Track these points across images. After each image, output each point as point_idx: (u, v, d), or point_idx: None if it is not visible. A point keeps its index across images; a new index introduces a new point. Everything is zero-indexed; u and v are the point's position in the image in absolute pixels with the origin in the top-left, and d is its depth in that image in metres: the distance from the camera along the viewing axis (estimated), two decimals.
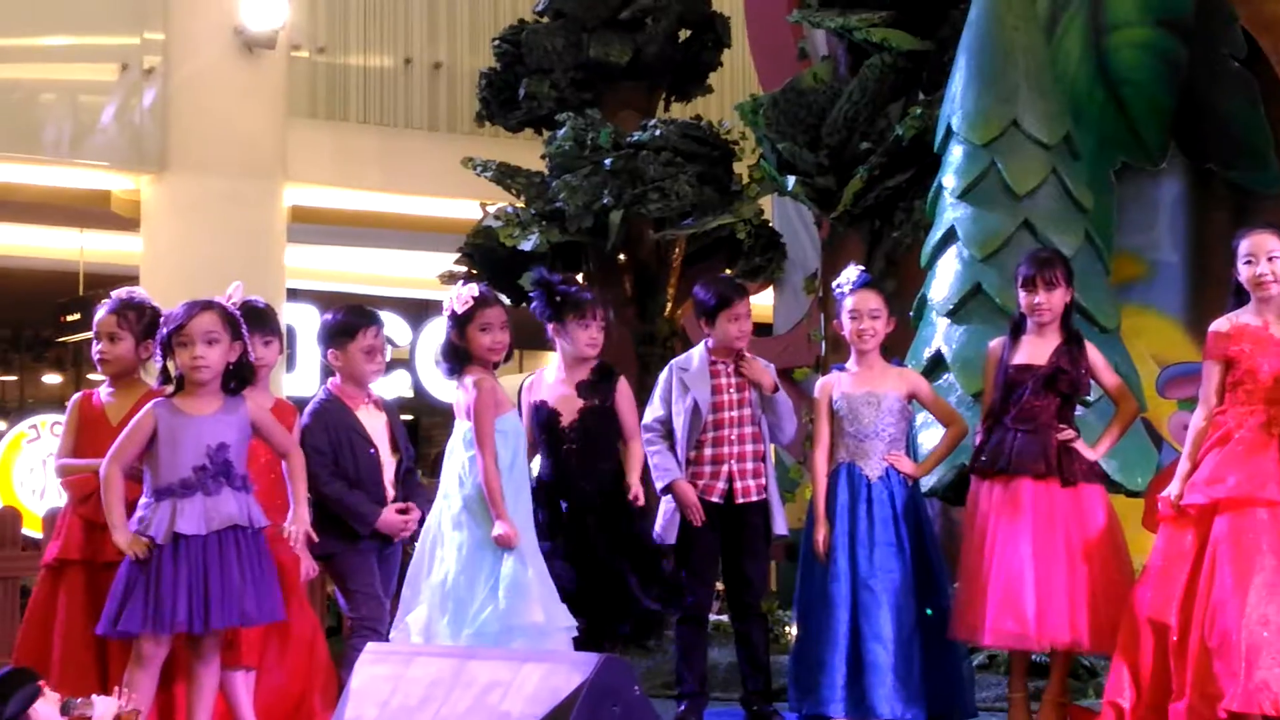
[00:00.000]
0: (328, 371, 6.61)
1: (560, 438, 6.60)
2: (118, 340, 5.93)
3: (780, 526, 6.95)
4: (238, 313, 5.69)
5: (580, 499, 6.58)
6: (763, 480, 6.90)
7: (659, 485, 6.89)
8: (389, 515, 6.19)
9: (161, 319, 5.72)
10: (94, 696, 4.43)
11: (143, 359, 5.98)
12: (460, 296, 6.25)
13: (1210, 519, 5.87)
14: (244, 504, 5.58)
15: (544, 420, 6.62)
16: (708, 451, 6.86)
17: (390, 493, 6.30)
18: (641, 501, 6.60)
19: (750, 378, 6.88)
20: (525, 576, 6.00)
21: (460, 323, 6.22)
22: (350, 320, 6.32)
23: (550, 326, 6.69)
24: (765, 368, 6.95)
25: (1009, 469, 6.41)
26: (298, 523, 5.68)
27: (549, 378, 6.72)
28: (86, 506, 5.79)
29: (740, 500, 6.84)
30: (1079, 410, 6.74)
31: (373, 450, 6.29)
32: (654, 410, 6.96)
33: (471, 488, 6.10)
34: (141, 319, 5.94)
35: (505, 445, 6.15)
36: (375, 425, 6.36)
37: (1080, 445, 6.44)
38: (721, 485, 6.84)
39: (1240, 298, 6.04)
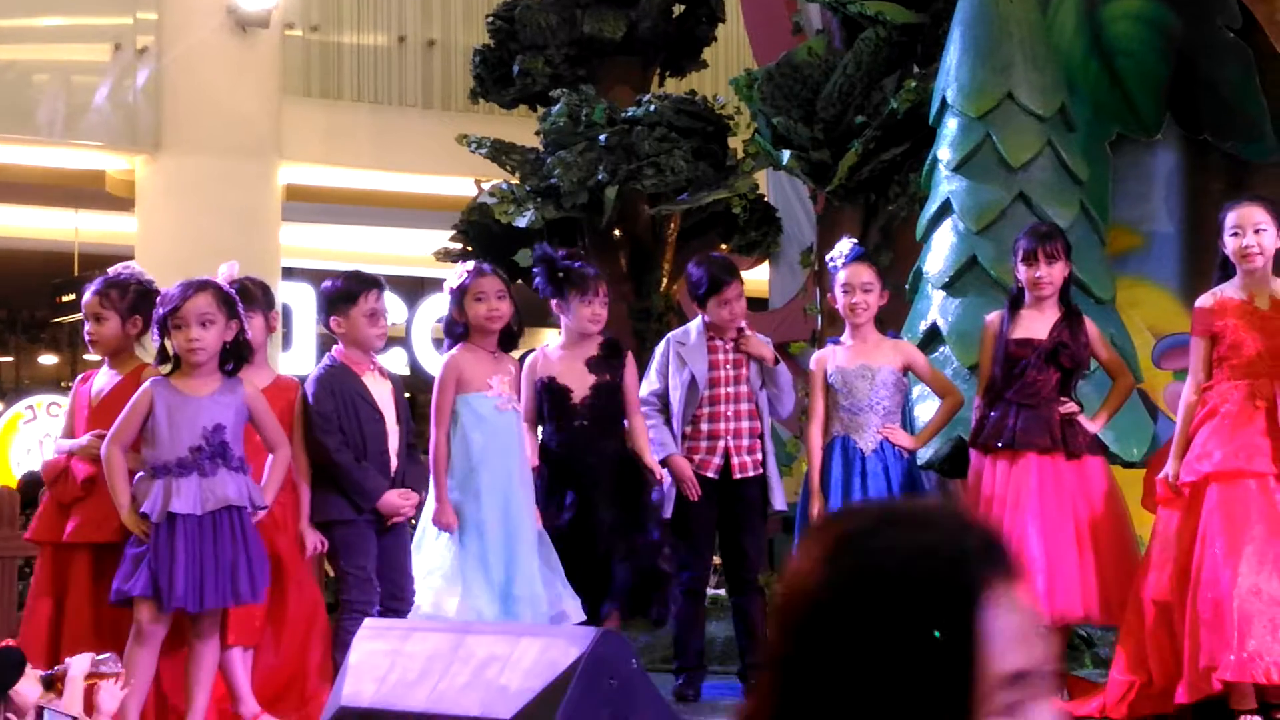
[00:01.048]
0: (324, 348, 6.59)
1: (571, 413, 6.60)
2: (103, 320, 5.94)
3: (779, 502, 6.95)
4: (234, 292, 5.69)
5: (588, 474, 6.59)
6: (759, 456, 6.89)
7: (656, 459, 6.89)
8: (390, 497, 6.16)
9: (158, 298, 5.72)
10: (68, 659, 4.44)
11: (132, 335, 5.97)
12: (458, 272, 6.35)
13: (1202, 494, 5.88)
14: (241, 485, 5.58)
15: (554, 396, 6.60)
16: (704, 426, 6.86)
17: (394, 463, 6.25)
18: (663, 479, 6.60)
19: (751, 352, 6.88)
20: (449, 562, 6.11)
21: (458, 295, 6.32)
22: (351, 286, 6.29)
23: (553, 303, 6.69)
24: (764, 341, 6.95)
25: (1014, 444, 6.40)
26: (257, 516, 5.68)
27: (554, 354, 6.72)
28: (55, 488, 5.81)
29: (737, 475, 6.83)
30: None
31: (379, 417, 6.23)
32: (650, 384, 6.95)
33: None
34: (125, 296, 5.94)
35: (473, 425, 6.18)
36: (381, 392, 6.28)
37: (1081, 418, 6.45)
38: (718, 460, 6.84)
39: (1226, 271, 6.04)
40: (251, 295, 6.10)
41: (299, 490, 6.07)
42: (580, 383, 6.61)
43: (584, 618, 6.23)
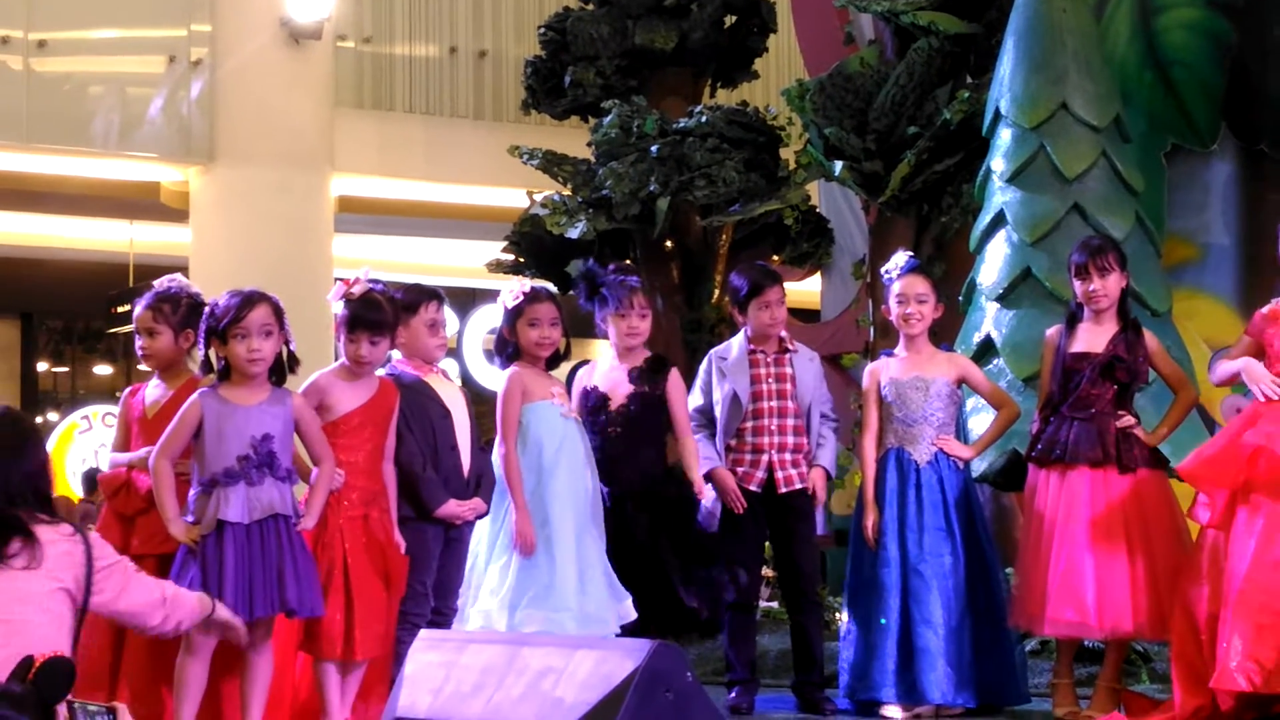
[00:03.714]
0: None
1: (606, 421, 6.63)
2: (156, 335, 5.95)
3: (819, 526, 6.93)
4: (281, 304, 5.70)
5: (621, 484, 6.60)
6: (804, 469, 6.85)
7: (700, 473, 6.88)
8: (449, 506, 6.14)
9: (207, 308, 5.73)
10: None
11: (184, 349, 5.99)
12: (512, 291, 6.36)
13: (1231, 510, 5.88)
14: (287, 494, 5.59)
15: (592, 404, 6.66)
16: (748, 440, 6.83)
17: (466, 461, 6.19)
18: (705, 496, 6.59)
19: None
20: (507, 587, 6.18)
21: (511, 317, 6.35)
22: (412, 296, 6.29)
23: (597, 317, 6.73)
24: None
25: (1065, 458, 6.38)
26: (302, 526, 5.65)
27: (602, 365, 6.78)
28: (116, 500, 5.84)
29: (783, 489, 6.80)
30: None
31: (445, 413, 6.17)
32: (694, 399, 6.94)
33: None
34: (177, 310, 5.95)
35: (543, 433, 6.21)
36: (448, 391, 6.25)
37: (1139, 431, 6.41)
38: (761, 474, 6.80)
39: None
40: (382, 310, 5.98)
41: (388, 491, 5.98)
42: (618, 391, 6.65)
43: (636, 615, 6.28)
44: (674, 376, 6.71)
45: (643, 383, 6.65)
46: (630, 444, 6.62)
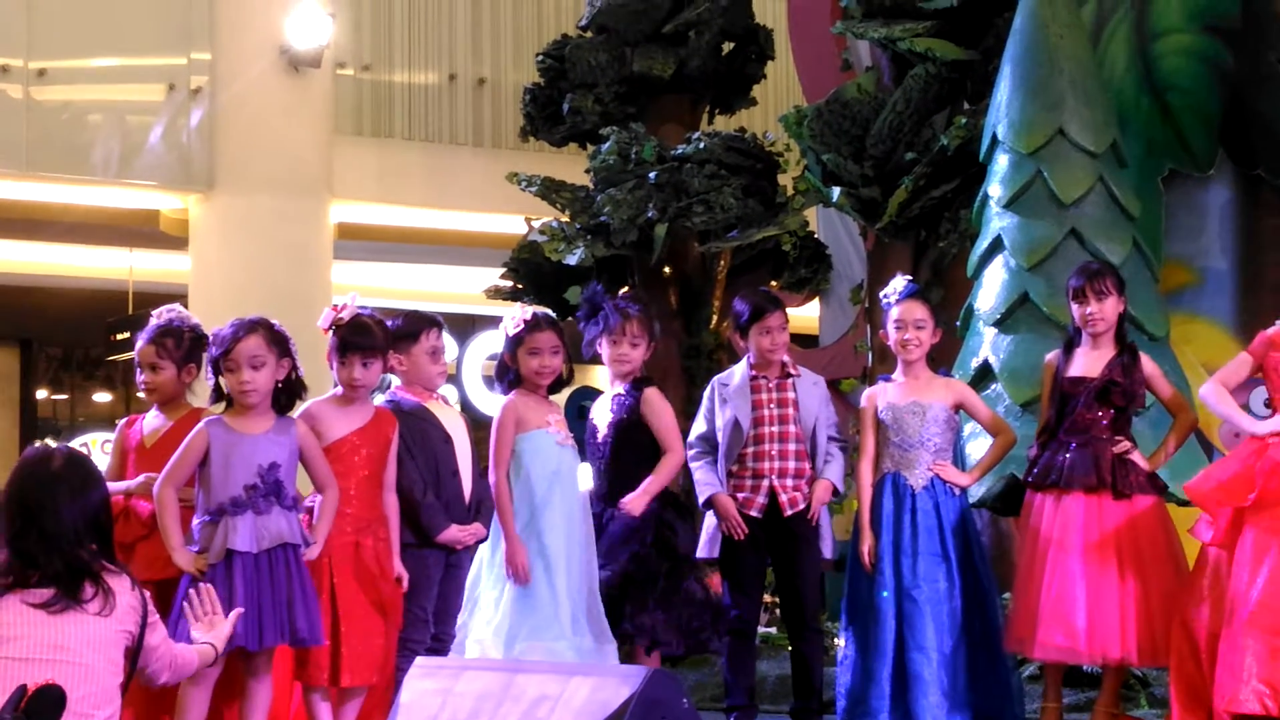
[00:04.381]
0: (382, 387, 6.57)
1: (595, 451, 6.69)
2: (159, 370, 5.96)
3: (828, 551, 6.90)
4: (284, 331, 5.70)
5: (607, 515, 6.63)
6: (807, 492, 6.84)
7: (700, 499, 6.89)
8: (451, 532, 6.15)
9: (210, 338, 5.74)
10: None
11: (186, 383, 6.00)
12: (514, 318, 6.37)
13: (1236, 528, 5.88)
14: (294, 523, 5.60)
15: (589, 435, 6.72)
16: (749, 465, 6.83)
17: (468, 486, 6.21)
18: (633, 510, 6.51)
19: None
20: (503, 616, 6.17)
21: (512, 344, 6.37)
22: (412, 324, 6.31)
23: (596, 339, 6.74)
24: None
25: (1061, 483, 6.38)
26: (307, 556, 5.65)
27: (604, 395, 6.80)
28: (115, 528, 5.81)
29: (788, 512, 6.79)
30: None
31: (446, 437, 6.19)
32: (698, 427, 6.95)
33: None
34: (181, 345, 5.95)
35: (536, 463, 6.21)
36: (448, 417, 6.27)
37: (1136, 456, 6.41)
38: (762, 500, 6.80)
39: None
40: (372, 333, 5.99)
41: (389, 520, 5.97)
42: (604, 422, 6.69)
43: (618, 661, 6.26)
44: (648, 395, 6.65)
45: (620, 410, 6.66)
46: (615, 474, 6.63)
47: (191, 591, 4.86)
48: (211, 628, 4.69)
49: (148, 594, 4.34)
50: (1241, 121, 9.25)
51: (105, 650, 4.15)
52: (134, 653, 4.25)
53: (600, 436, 6.68)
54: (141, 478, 5.83)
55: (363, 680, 5.79)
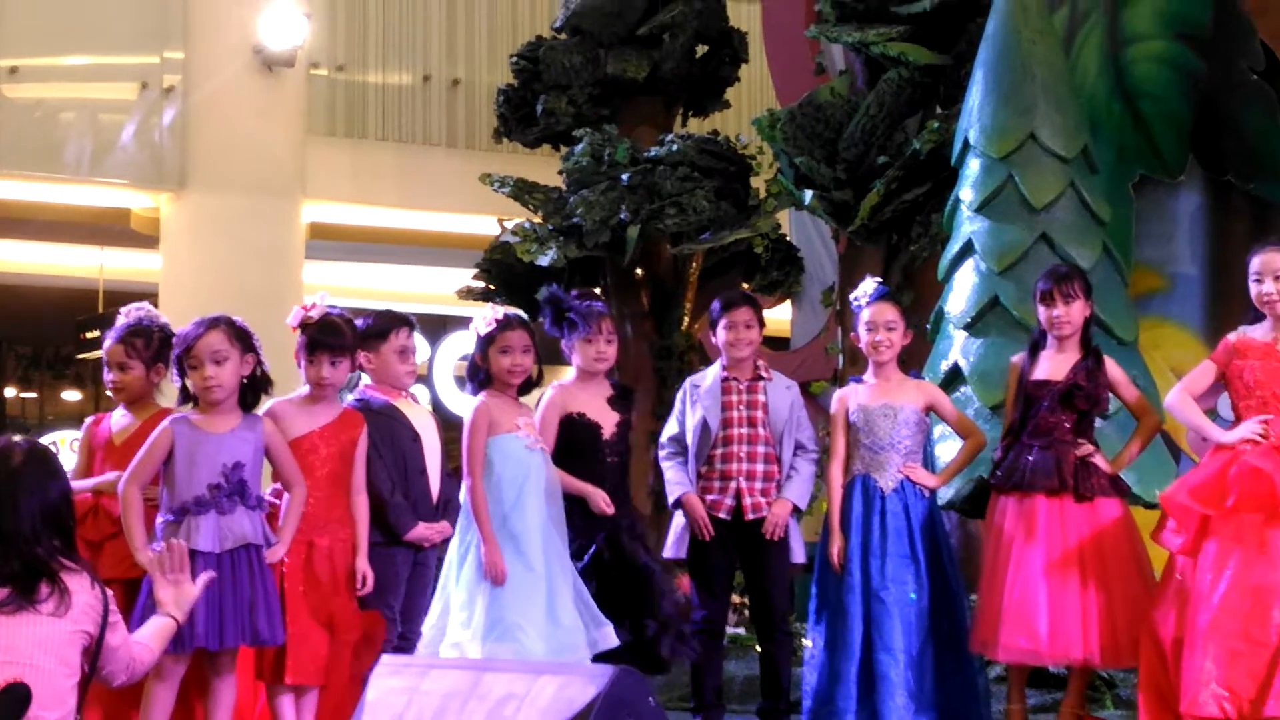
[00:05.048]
0: (350, 386, 6.56)
1: (602, 449, 6.61)
2: (128, 369, 5.94)
3: (798, 555, 6.91)
4: (247, 327, 5.68)
5: (626, 511, 6.64)
6: (773, 498, 6.84)
7: (670, 499, 6.89)
8: (418, 530, 6.16)
9: (175, 338, 5.72)
10: None
11: (155, 383, 5.97)
12: (485, 318, 6.35)
13: (1210, 529, 5.91)
14: (257, 523, 5.58)
15: (586, 432, 6.61)
16: (717, 467, 6.83)
17: (435, 485, 6.22)
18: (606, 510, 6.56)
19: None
20: (476, 616, 6.11)
21: (483, 344, 6.35)
22: (382, 323, 6.30)
23: (563, 342, 6.72)
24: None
25: (1023, 485, 6.40)
26: (271, 556, 5.64)
27: (577, 391, 6.70)
28: (84, 527, 5.79)
29: (750, 516, 6.80)
30: (1098, 423, 6.72)
31: (414, 435, 6.19)
32: (670, 428, 6.96)
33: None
34: (150, 345, 5.93)
35: (506, 468, 6.20)
36: (417, 416, 6.28)
37: (1099, 459, 6.43)
38: (729, 501, 6.80)
39: (1258, 313, 6.06)
40: (341, 333, 5.98)
41: (356, 522, 5.93)
42: (608, 420, 6.64)
43: (618, 642, 6.22)
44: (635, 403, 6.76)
45: (623, 410, 6.69)
46: (622, 471, 6.65)
47: (161, 545, 4.79)
48: (177, 587, 4.57)
49: (110, 593, 4.26)
50: (1212, 128, 9.29)
51: (57, 651, 4.07)
52: (94, 652, 4.18)
53: (607, 435, 6.61)
54: (110, 475, 5.81)
55: (305, 679, 5.74)
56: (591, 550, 6.49)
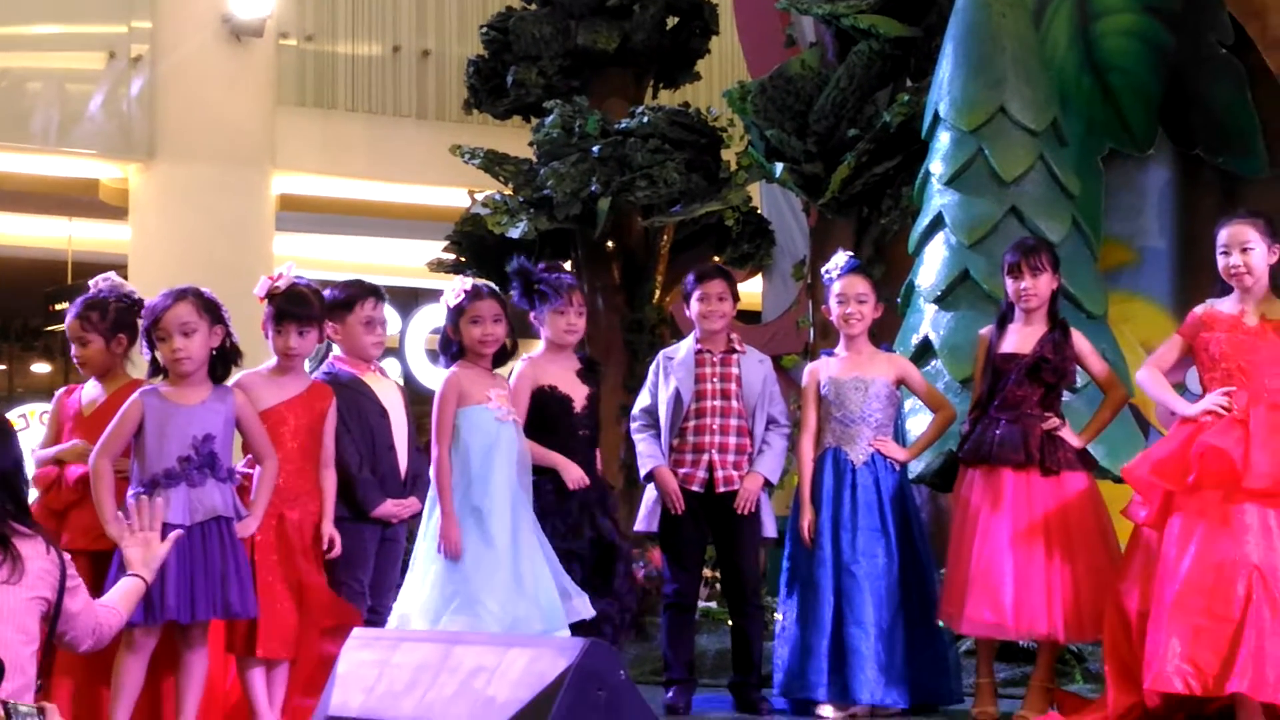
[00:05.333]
0: (318, 358, 6.55)
1: (575, 423, 6.59)
2: (87, 343, 5.92)
3: (768, 529, 6.92)
4: (215, 298, 5.66)
5: (599, 484, 6.65)
6: (745, 470, 6.84)
7: (642, 472, 6.90)
8: (386, 506, 6.15)
9: (143, 310, 5.70)
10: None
11: (118, 354, 5.94)
12: (454, 289, 6.33)
13: (1174, 504, 5.94)
14: (228, 495, 5.57)
15: (558, 405, 6.58)
16: (690, 440, 6.84)
17: (403, 460, 6.21)
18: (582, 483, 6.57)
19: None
20: (432, 593, 6.07)
21: (454, 315, 6.32)
22: (348, 293, 6.27)
23: (531, 314, 6.70)
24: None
25: (990, 458, 6.41)
26: (243, 529, 5.63)
27: (547, 364, 6.67)
28: (48, 496, 5.79)
29: (722, 489, 6.81)
30: (1066, 396, 6.74)
31: (382, 411, 6.18)
32: (642, 400, 6.97)
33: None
34: (106, 316, 5.90)
35: (474, 438, 6.18)
36: (385, 390, 6.25)
37: (1066, 433, 6.44)
38: (702, 474, 6.81)
39: (1226, 285, 6.08)
40: (308, 302, 5.97)
41: (324, 494, 5.92)
42: (579, 393, 6.62)
43: (594, 612, 6.21)
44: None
45: (591, 383, 6.67)
46: (592, 444, 6.65)
47: (131, 501, 4.76)
48: (146, 546, 4.55)
49: (68, 557, 4.21)
50: (1181, 102, 9.31)
51: (13, 619, 4.01)
52: (53, 618, 4.13)
53: (579, 408, 6.59)
54: (73, 441, 5.80)
55: (275, 653, 5.74)
56: (589, 535, 6.49)
